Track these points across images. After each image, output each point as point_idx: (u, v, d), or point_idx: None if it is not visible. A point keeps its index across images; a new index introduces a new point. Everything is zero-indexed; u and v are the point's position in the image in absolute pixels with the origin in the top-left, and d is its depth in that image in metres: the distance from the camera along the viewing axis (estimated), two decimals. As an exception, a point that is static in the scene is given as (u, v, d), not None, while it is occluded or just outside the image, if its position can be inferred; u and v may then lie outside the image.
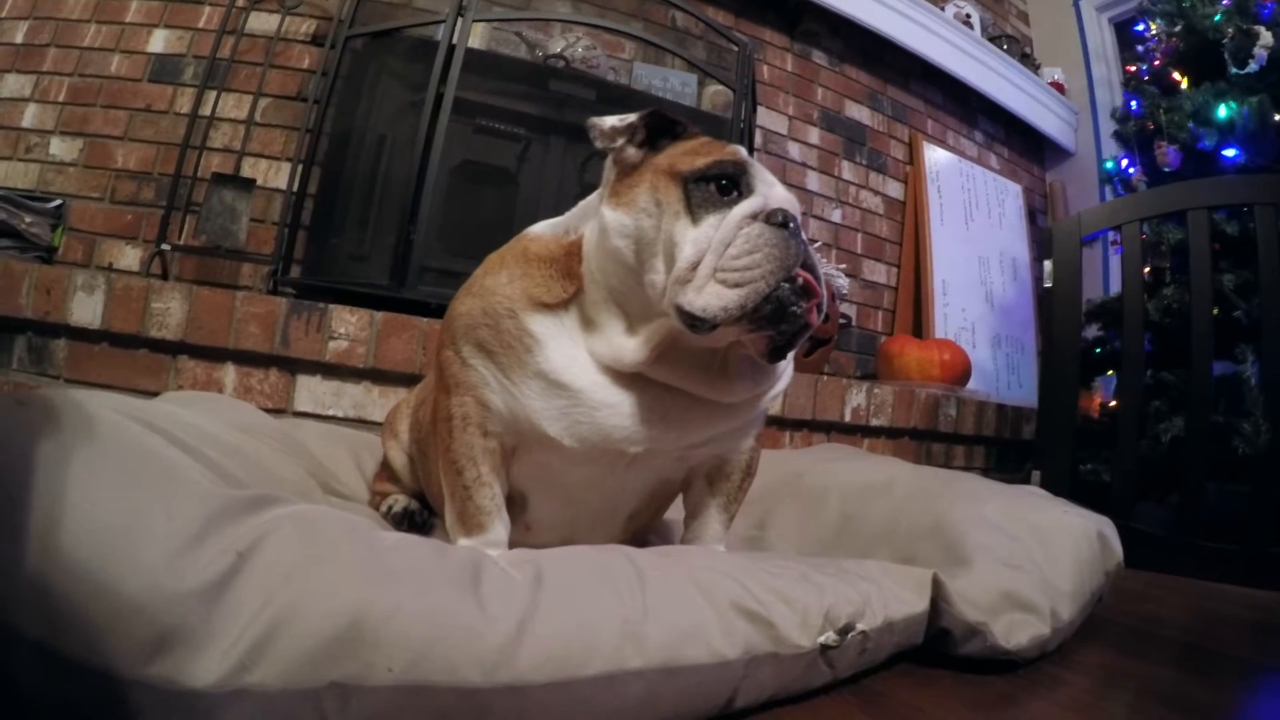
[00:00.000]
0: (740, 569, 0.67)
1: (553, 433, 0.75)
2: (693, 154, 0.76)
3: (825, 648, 0.65)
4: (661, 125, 0.80)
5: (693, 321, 0.68)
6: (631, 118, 0.79)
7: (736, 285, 0.67)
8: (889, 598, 0.74)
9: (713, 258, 0.68)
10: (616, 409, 0.75)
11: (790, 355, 0.83)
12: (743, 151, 0.77)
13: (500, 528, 0.81)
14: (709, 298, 0.67)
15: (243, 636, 0.47)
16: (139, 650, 0.46)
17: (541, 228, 0.86)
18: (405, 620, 0.49)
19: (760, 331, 0.69)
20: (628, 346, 0.75)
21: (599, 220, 0.78)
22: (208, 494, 0.58)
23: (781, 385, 0.86)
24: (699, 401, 0.78)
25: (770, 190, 0.74)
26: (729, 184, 0.73)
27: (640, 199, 0.75)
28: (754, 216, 0.70)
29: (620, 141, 0.79)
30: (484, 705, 0.49)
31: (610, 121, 0.78)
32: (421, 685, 0.48)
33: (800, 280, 0.68)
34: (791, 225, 0.70)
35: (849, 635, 0.67)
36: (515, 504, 0.87)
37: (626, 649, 0.54)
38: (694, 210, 0.72)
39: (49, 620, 0.46)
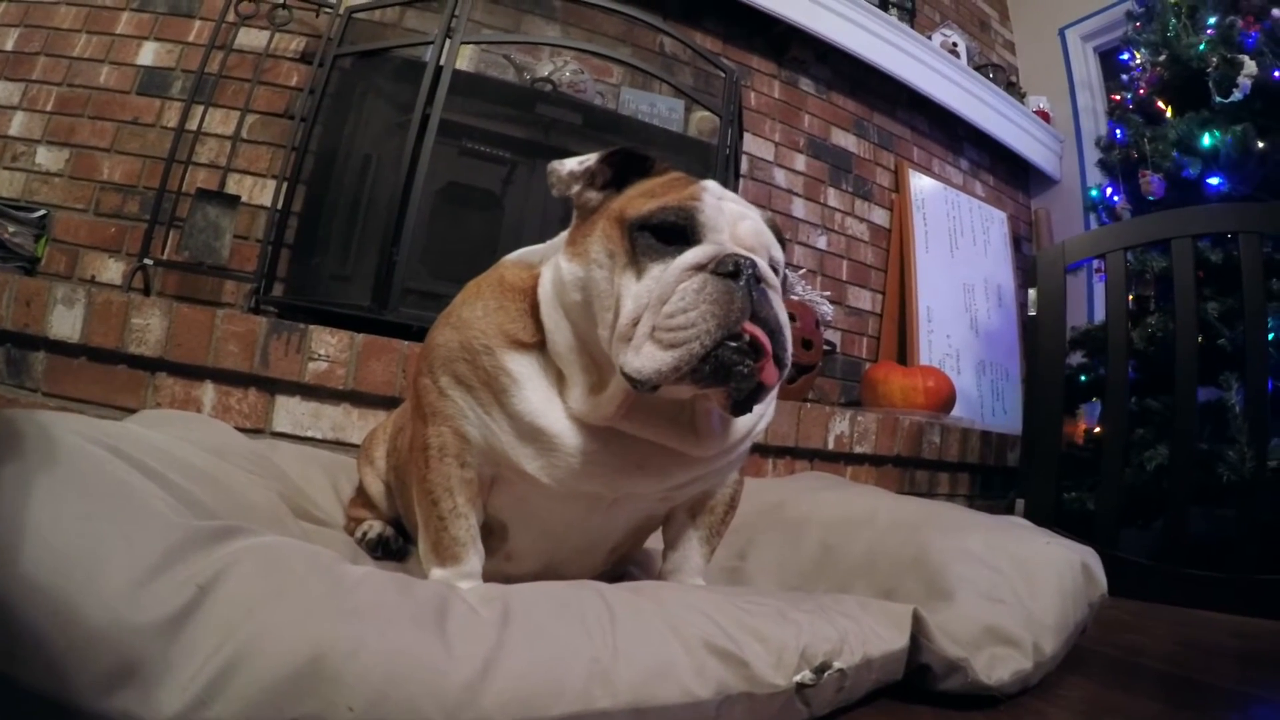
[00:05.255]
0: (715, 606, 0.66)
1: (531, 470, 0.74)
2: (647, 196, 0.72)
3: (801, 686, 0.64)
4: (630, 162, 0.77)
5: (633, 382, 0.65)
6: (591, 160, 0.75)
7: (671, 346, 0.63)
8: (868, 634, 0.73)
9: (650, 315, 0.64)
10: (592, 457, 0.73)
11: (769, 398, 0.82)
12: (708, 190, 0.73)
13: (475, 559, 0.79)
14: (644, 359, 0.63)
15: (202, 671, 0.46)
16: (98, 682, 0.45)
17: (519, 256, 0.84)
18: (367, 659, 0.48)
19: (713, 388, 0.65)
20: (594, 402, 0.72)
21: (556, 271, 0.75)
22: (170, 524, 0.57)
23: (760, 428, 0.84)
24: (675, 450, 0.75)
25: (723, 234, 0.69)
26: (676, 230, 0.68)
27: (593, 249, 0.71)
28: (699, 267, 0.65)
29: (576, 187, 0.76)
30: (448, 746, 0.47)
31: (569, 165, 0.75)
32: None
33: (747, 338, 0.63)
34: (745, 274, 0.65)
35: (826, 674, 0.65)
36: (495, 533, 0.85)
37: (595, 689, 0.52)
38: (639, 261, 0.68)
39: (7, 648, 0.46)
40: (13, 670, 0.45)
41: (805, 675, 0.64)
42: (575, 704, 0.51)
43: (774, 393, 0.81)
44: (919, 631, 0.79)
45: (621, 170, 0.77)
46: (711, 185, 0.74)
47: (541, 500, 0.78)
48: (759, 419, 0.82)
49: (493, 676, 0.50)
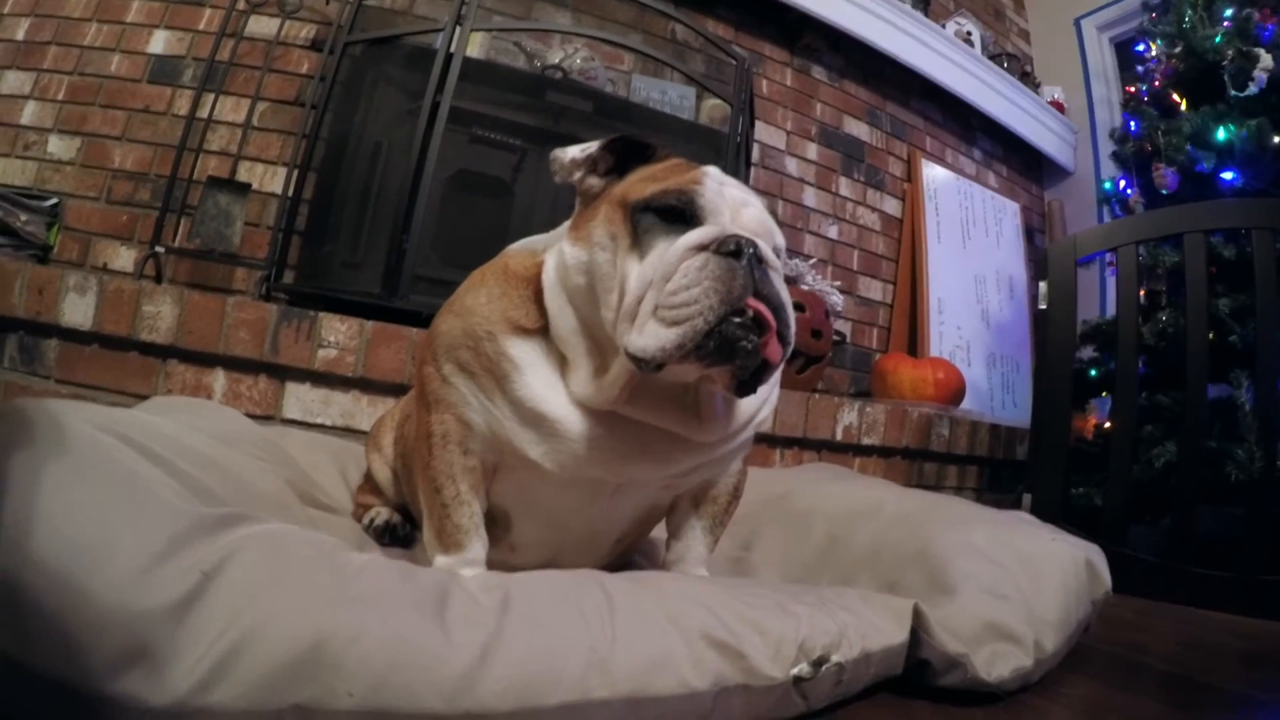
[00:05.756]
0: (714, 598, 0.66)
1: (534, 456, 0.74)
2: (649, 180, 0.73)
3: (798, 679, 0.64)
4: (631, 150, 0.77)
5: (637, 361, 0.65)
6: (592, 147, 0.76)
7: (674, 323, 0.63)
8: (867, 628, 0.73)
9: (653, 294, 0.65)
10: (595, 442, 0.73)
11: (772, 381, 0.82)
12: (709, 175, 0.73)
13: (478, 546, 0.80)
14: (648, 337, 0.64)
15: (206, 655, 0.47)
16: (106, 665, 0.46)
17: (523, 245, 0.85)
18: (367, 645, 0.49)
19: (718, 367, 0.66)
20: (598, 386, 0.73)
21: (559, 256, 0.76)
22: (176, 511, 0.58)
23: (764, 414, 0.84)
24: (679, 435, 0.75)
25: (724, 217, 0.70)
26: (677, 213, 0.69)
27: (595, 233, 0.72)
28: (702, 247, 0.66)
29: (578, 174, 0.77)
30: (447, 733, 0.49)
31: (571, 153, 0.76)
32: (382, 711, 0.48)
33: (751, 313, 0.64)
34: (747, 253, 0.66)
35: (823, 667, 0.65)
36: (499, 524, 0.85)
37: (592, 678, 0.53)
38: (641, 243, 0.69)
39: (17, 633, 0.47)
40: (24, 654, 0.46)
41: (803, 668, 0.64)
42: (572, 693, 0.52)
43: (777, 378, 0.82)
44: (919, 626, 0.78)
45: (623, 157, 0.78)
46: (713, 170, 0.75)
47: (544, 488, 0.79)
48: (762, 404, 0.83)
49: (491, 664, 0.51)
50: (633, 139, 0.78)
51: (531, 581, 0.64)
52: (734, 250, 0.65)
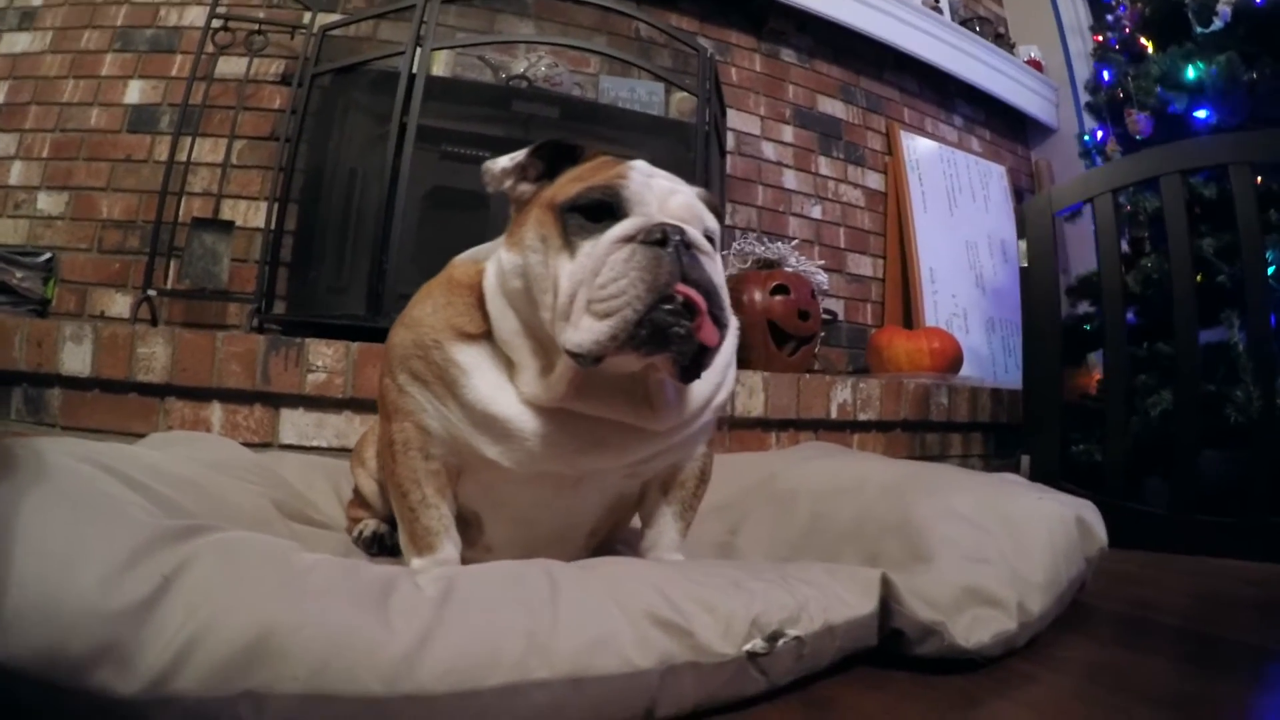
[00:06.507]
0: (665, 579, 0.66)
1: (491, 455, 0.76)
2: (576, 180, 0.74)
3: (754, 655, 0.63)
4: (560, 152, 0.79)
5: (575, 357, 0.67)
6: (520, 155, 0.78)
7: (606, 315, 0.65)
8: (830, 601, 0.71)
9: (585, 290, 0.66)
10: (548, 437, 0.74)
11: (724, 364, 0.83)
12: (635, 169, 0.75)
13: (450, 547, 0.82)
14: (583, 333, 0.65)
15: (167, 649, 0.50)
16: (79, 663, 0.49)
17: (468, 255, 0.87)
18: (309, 634, 0.52)
19: (657, 355, 0.67)
20: (545, 384, 0.74)
21: (497, 263, 0.77)
22: (141, 524, 0.61)
23: (721, 397, 0.84)
24: (633, 425, 0.76)
25: (651, 207, 0.71)
26: (604, 208, 0.70)
27: (527, 237, 0.74)
28: (628, 238, 0.67)
29: (509, 182, 0.79)
30: (388, 714, 0.51)
31: (501, 163, 0.78)
32: (325, 694, 0.50)
33: (680, 299, 0.65)
34: (674, 240, 0.67)
35: (780, 641, 0.65)
36: (472, 526, 0.87)
37: (532, 660, 0.54)
38: (570, 242, 0.70)
39: (2, 639, 0.50)
40: (8, 657, 0.49)
41: (757, 644, 0.64)
42: (511, 674, 0.53)
43: (725, 359, 0.83)
44: (889, 595, 0.76)
45: (552, 161, 0.79)
46: (640, 164, 0.76)
47: (508, 486, 0.81)
48: (717, 388, 0.83)
49: (430, 649, 0.53)
50: (560, 142, 0.79)
51: (477, 571, 0.65)
52: (660, 239, 0.67)
